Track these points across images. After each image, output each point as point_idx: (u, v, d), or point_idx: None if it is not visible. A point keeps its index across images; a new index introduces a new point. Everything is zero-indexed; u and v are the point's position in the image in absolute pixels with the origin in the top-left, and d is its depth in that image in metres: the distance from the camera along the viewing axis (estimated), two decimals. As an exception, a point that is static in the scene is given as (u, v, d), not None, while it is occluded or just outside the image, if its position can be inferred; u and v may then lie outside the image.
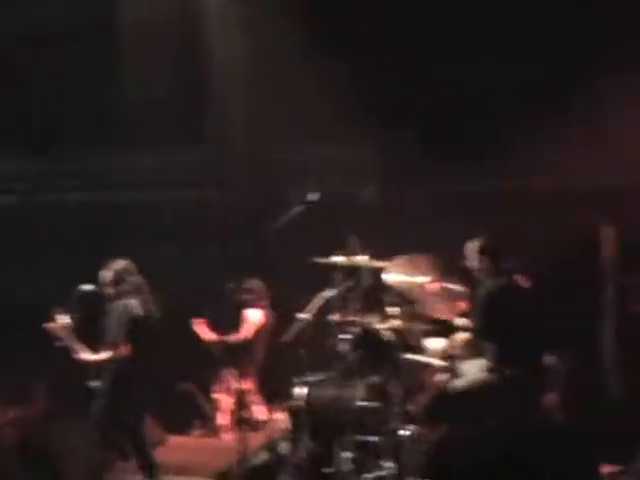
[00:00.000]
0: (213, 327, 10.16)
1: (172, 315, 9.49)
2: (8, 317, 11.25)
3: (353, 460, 7.48)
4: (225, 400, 10.06)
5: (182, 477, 8.77)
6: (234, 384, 10.02)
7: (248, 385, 10.07)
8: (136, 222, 11.46)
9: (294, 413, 8.02)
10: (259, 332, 10.09)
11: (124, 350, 8.12)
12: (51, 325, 8.30)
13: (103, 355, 8.22)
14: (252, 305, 10.20)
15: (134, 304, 8.29)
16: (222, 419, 10.07)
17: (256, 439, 8.73)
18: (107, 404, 8.18)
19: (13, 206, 13.77)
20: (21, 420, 11.43)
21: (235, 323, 10.13)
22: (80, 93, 11.73)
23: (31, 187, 13.32)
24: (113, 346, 8.16)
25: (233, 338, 10.04)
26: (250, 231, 10.77)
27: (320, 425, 7.79)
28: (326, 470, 7.58)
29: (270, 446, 8.29)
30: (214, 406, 10.30)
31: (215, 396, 10.27)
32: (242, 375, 10.09)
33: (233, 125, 11.53)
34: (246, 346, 10.10)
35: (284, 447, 8.08)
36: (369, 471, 7.42)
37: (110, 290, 8.38)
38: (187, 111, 11.39)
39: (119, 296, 8.34)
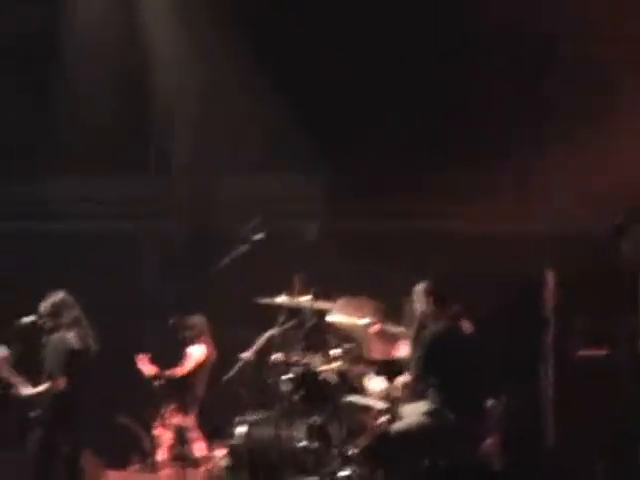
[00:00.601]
0: (155, 361, 10.09)
1: (113, 349, 9.44)
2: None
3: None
4: (165, 435, 9.97)
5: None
6: (174, 419, 9.96)
7: (188, 421, 10.01)
8: (74, 253, 11.36)
9: (233, 452, 7.99)
10: (200, 368, 10.04)
11: (61, 383, 8.05)
12: None
13: (40, 388, 8.13)
14: (194, 341, 10.16)
15: (71, 337, 8.22)
16: (161, 455, 9.98)
17: (195, 476, 8.69)
18: (45, 436, 8.09)
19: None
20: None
21: (177, 358, 10.09)
22: (17, 119, 11.64)
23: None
24: (50, 379, 8.08)
25: (173, 373, 9.98)
26: (193, 266, 10.75)
27: (259, 465, 7.76)
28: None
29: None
30: (153, 441, 10.21)
31: (155, 431, 10.18)
32: (182, 410, 10.04)
33: (176, 157, 11.52)
34: (187, 381, 10.05)
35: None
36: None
37: (48, 322, 8.30)
38: (130, 141, 11.35)
39: (56, 328, 8.27)
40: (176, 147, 11.55)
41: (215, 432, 9.41)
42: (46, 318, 8.30)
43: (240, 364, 8.13)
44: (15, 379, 8.16)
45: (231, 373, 8.21)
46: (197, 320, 10.25)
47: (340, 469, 7.50)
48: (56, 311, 8.29)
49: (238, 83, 10.71)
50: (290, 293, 8.12)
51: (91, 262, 11.53)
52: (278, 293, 8.29)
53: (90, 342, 8.37)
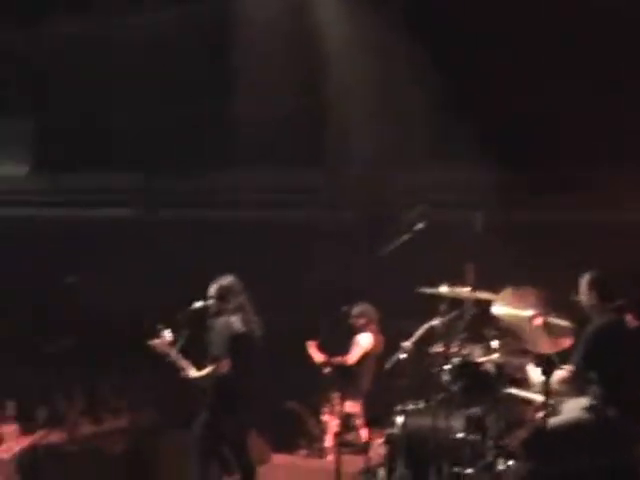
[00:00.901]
0: (325, 349, 10.21)
1: (284, 335, 9.61)
2: (120, 325, 11.57)
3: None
4: (332, 422, 10.09)
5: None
6: (341, 406, 10.06)
7: (355, 408, 10.10)
8: (248, 240, 11.61)
9: (391, 440, 7.99)
10: (367, 357, 10.13)
11: (225, 366, 8.15)
12: (156, 342, 8.42)
13: (205, 371, 8.28)
14: (363, 329, 10.25)
15: (235, 321, 8.30)
16: (328, 441, 10.10)
17: (359, 463, 8.73)
18: (209, 418, 8.24)
19: (128, 219, 14.24)
20: (130, 429, 11.79)
21: (346, 346, 10.19)
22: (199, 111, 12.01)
23: (146, 202, 13.72)
24: (214, 362, 8.21)
25: (342, 361, 10.08)
26: (364, 255, 10.81)
27: (416, 454, 7.73)
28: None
29: (367, 472, 8.26)
30: (321, 428, 10.35)
31: (322, 417, 10.32)
32: (349, 398, 10.14)
33: (349, 149, 11.62)
34: (355, 370, 10.15)
35: (380, 474, 8.07)
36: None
37: (214, 306, 8.44)
38: (304, 132, 11.52)
39: (222, 313, 8.38)
40: (349, 138, 11.63)
41: (375, 420, 9.45)
42: (213, 301, 8.43)
43: (400, 353, 8.08)
44: (182, 362, 8.35)
45: (390, 362, 8.18)
46: (366, 309, 10.34)
47: (496, 462, 7.39)
48: (223, 295, 8.40)
49: (409, 77, 10.72)
50: (453, 283, 8.03)
51: (266, 250, 11.79)
52: (442, 283, 8.22)
53: (254, 327, 8.46)
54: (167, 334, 8.40)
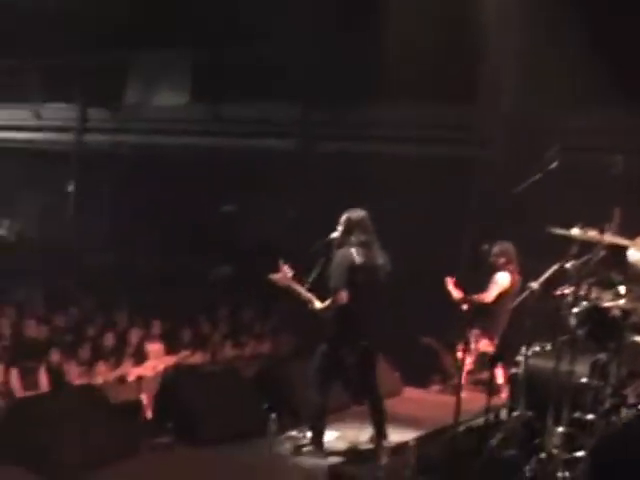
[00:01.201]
0: (462, 287, 10.16)
1: (424, 271, 9.61)
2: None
3: (564, 435, 7.29)
4: (466, 359, 10.05)
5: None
6: (477, 344, 10.05)
7: (489, 347, 10.06)
8: (390, 174, 11.62)
9: (514, 381, 7.94)
10: (504, 295, 10.03)
11: (343, 297, 8.15)
12: (276, 276, 8.49)
13: (326, 303, 8.31)
14: (502, 268, 10.15)
15: (354, 253, 8.19)
16: (462, 378, 10.08)
17: (489, 401, 8.70)
18: (328, 350, 8.29)
19: (290, 151, 14.45)
20: (270, 354, 12.11)
21: (484, 284, 10.13)
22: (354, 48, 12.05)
23: (307, 135, 13.88)
24: (333, 293, 8.21)
25: (479, 298, 10.02)
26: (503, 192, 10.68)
27: (537, 396, 7.65)
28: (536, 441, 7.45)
29: (490, 411, 8.24)
30: (456, 364, 10.34)
31: (458, 354, 10.29)
32: (485, 336, 10.10)
33: (501, 87, 11.45)
34: (492, 308, 10.08)
35: (502, 413, 8.05)
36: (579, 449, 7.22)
37: (338, 238, 8.39)
38: (456, 70, 11.42)
39: (343, 244, 8.32)
40: (500, 80, 11.46)
41: (500, 359, 9.41)
42: (338, 233, 8.39)
43: (527, 293, 7.97)
44: (306, 295, 8.41)
45: (516, 302, 8.10)
46: (506, 248, 10.22)
47: (616, 410, 7.26)
48: (349, 228, 8.31)
49: (558, 20, 10.44)
50: (585, 226, 7.84)
51: (416, 186, 11.80)
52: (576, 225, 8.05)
53: (377, 262, 8.37)
54: (287, 268, 8.45)
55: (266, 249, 13.64)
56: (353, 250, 8.21)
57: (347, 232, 8.31)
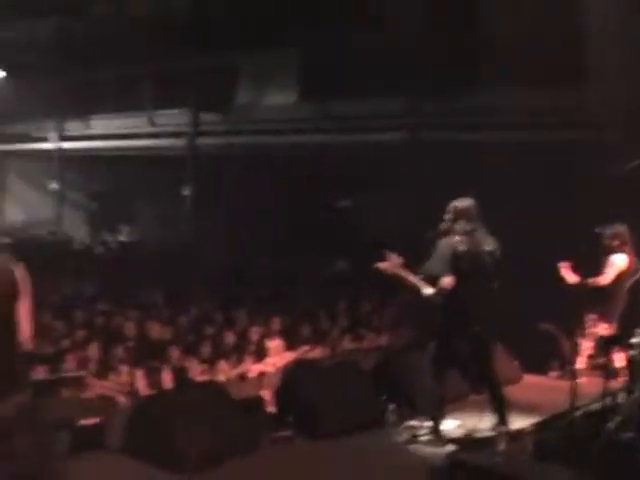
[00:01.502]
0: (578, 270, 10.06)
1: (540, 256, 9.54)
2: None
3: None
4: (585, 344, 9.97)
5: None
6: (596, 328, 9.93)
7: (609, 331, 9.93)
8: (495, 162, 11.55)
9: (632, 363, 7.84)
10: (622, 277, 9.89)
11: (448, 284, 8.19)
12: (383, 265, 8.52)
13: (432, 289, 8.33)
14: (617, 250, 10.02)
15: (457, 241, 8.22)
16: (581, 363, 9.99)
17: (607, 385, 8.60)
18: (439, 339, 8.31)
19: (401, 144, 14.47)
20: (388, 346, 12.15)
21: (600, 267, 10.01)
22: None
23: (412, 126, 13.88)
24: (437, 280, 8.22)
25: (595, 282, 9.91)
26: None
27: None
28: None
29: (608, 395, 8.14)
30: (575, 349, 10.23)
31: (577, 340, 10.19)
32: (604, 320, 9.98)
33: (610, 70, 11.28)
34: (609, 291, 9.95)
35: (620, 397, 7.95)
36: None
37: (444, 225, 8.39)
38: (564, 52, 11.30)
39: (447, 232, 8.35)
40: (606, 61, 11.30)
41: (614, 341, 9.26)
42: (444, 221, 8.41)
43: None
44: (417, 282, 8.43)
45: (631, 282, 8.00)
46: (620, 230, 10.08)
47: None
48: (455, 216, 8.35)
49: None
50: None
51: (526, 170, 11.72)
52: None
53: (483, 248, 8.34)
54: (393, 256, 8.47)
55: (382, 242, 13.67)
56: (457, 238, 8.23)
57: (453, 220, 8.34)
